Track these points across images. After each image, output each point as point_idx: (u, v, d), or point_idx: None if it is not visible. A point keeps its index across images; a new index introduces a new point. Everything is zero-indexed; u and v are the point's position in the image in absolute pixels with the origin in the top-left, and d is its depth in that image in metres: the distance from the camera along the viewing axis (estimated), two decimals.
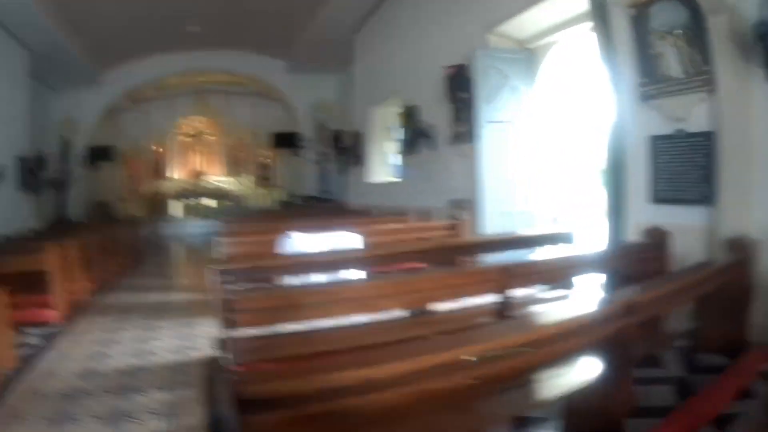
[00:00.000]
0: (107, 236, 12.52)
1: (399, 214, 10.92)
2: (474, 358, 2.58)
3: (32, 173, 16.32)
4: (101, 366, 5.85)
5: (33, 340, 7.12)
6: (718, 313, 4.72)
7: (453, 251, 7.09)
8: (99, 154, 21.85)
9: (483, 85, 9.45)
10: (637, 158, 6.32)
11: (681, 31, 5.61)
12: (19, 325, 7.08)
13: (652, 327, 4.38)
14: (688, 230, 5.62)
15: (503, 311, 4.66)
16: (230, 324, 3.82)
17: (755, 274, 4.85)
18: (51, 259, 8.07)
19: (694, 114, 5.66)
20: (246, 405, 2.04)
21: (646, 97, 6.10)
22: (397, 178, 15.05)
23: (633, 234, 6.21)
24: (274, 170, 24.84)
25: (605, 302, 3.59)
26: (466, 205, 9.95)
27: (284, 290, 4.88)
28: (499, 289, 4.66)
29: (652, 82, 6.00)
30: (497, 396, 3.03)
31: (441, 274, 4.96)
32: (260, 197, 24.37)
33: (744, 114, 5.17)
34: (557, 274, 5.48)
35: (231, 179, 24.47)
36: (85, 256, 9.91)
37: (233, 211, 20.96)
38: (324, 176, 21.78)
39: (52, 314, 7.92)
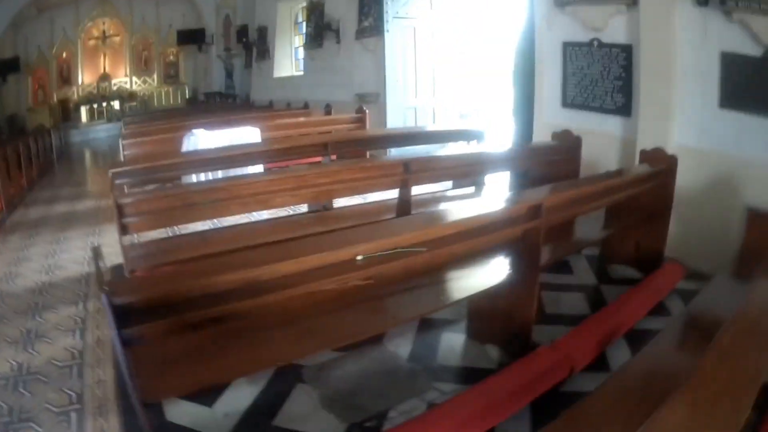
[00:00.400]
0: (15, 150, 12.00)
1: (302, 109, 10.85)
2: (360, 258, 2.53)
3: None
4: (11, 287, 5.59)
5: None
6: (632, 225, 4.69)
7: (355, 144, 6.97)
8: (4, 67, 20.70)
9: None
10: (550, 62, 6.36)
11: None
12: None
13: (563, 232, 4.30)
14: (600, 138, 5.73)
15: (405, 208, 4.58)
16: (124, 229, 3.73)
17: (671, 188, 4.76)
18: None
19: (610, 25, 5.69)
20: (123, 316, 1.97)
21: (562, 3, 6.06)
22: (300, 72, 14.87)
23: (541, 136, 6.34)
24: (179, 68, 24.06)
25: (511, 202, 3.41)
26: (371, 99, 9.97)
27: (178, 189, 4.73)
28: (403, 185, 4.57)
29: None
30: (397, 297, 3.02)
31: (341, 167, 4.75)
32: (165, 96, 23.68)
33: (664, 29, 5.11)
34: (463, 171, 5.38)
35: (136, 80, 23.56)
36: None
37: (137, 112, 20.37)
38: (229, 72, 21.31)
39: None
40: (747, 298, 2.34)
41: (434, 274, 3.13)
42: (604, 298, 4.50)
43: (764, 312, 2.30)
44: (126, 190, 4.57)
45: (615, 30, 5.65)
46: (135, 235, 4.32)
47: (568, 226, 4.47)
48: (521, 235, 3.29)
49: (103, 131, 20.55)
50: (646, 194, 4.57)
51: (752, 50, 4.39)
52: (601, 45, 5.79)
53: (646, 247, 4.78)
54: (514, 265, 3.33)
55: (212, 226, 5.24)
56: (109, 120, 21.07)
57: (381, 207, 4.95)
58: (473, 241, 3.01)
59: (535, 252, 3.32)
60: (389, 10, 9.28)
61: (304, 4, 13.31)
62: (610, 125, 5.79)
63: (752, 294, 2.41)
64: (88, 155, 17.87)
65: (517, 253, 3.36)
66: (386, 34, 9.35)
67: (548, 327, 3.77)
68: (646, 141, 5.13)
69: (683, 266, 4.70)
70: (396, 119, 9.46)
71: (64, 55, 22.64)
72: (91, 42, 22.79)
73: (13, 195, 10.09)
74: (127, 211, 3.70)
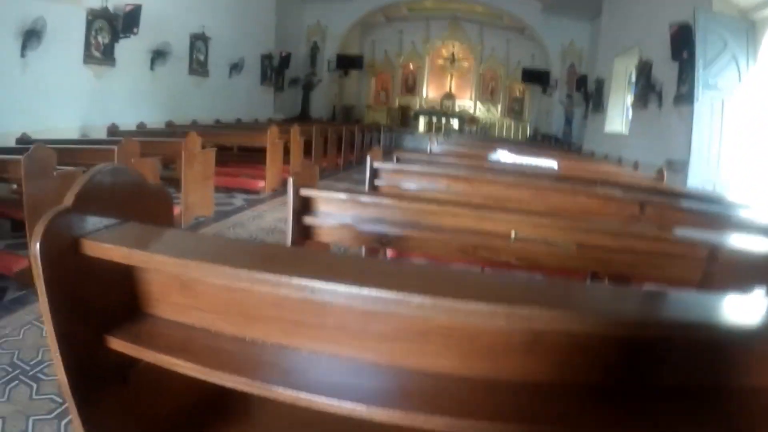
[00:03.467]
0: (338, 133, 13.98)
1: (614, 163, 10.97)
2: None
3: (275, 70, 19.05)
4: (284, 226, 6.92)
5: (238, 202, 8.95)
6: None
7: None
8: (348, 62, 23.55)
9: (702, 48, 9.23)
10: None
11: None
12: (231, 190, 9.36)
13: None
14: None
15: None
16: None
17: None
18: (270, 138, 9.55)
19: None
20: None
21: None
22: (626, 130, 14.89)
23: None
24: (524, 105, 25.01)
25: None
26: (678, 167, 9.81)
27: None
28: (703, 279, 3.16)
29: None
30: None
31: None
32: (506, 128, 24.75)
33: None
34: None
35: (480, 106, 25.01)
36: (305, 143, 11.38)
37: (476, 137, 21.31)
38: (569, 119, 21.63)
39: (261, 184, 9.61)
40: None
41: None
42: None
43: None
44: None
45: None
46: None
47: None
48: None
49: (433, 142, 21.87)
50: None
51: None
52: None
53: None
54: None
55: None
56: (446, 135, 22.40)
57: None
58: None
59: None
60: (700, 78, 9.20)
61: (636, 63, 13.34)
62: None
63: None
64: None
65: None
66: (696, 103, 9.27)
67: None
68: None
69: None
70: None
71: (411, 66, 25.12)
72: (439, 61, 24.96)
73: (324, 169, 11.76)
74: None
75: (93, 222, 1.67)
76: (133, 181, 1.93)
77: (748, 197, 8.05)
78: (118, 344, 1.64)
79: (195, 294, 1.67)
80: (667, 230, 3.36)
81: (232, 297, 1.62)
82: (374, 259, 2.99)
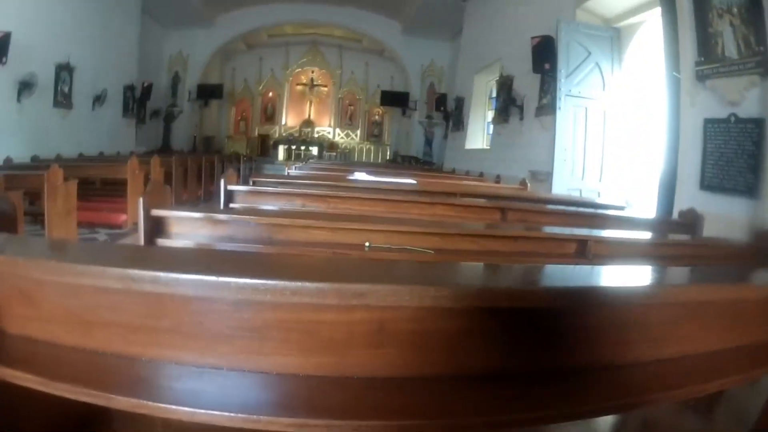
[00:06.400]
0: (197, 163, 13.80)
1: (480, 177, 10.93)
2: None
3: (137, 102, 18.25)
4: None
5: (101, 237, 8.57)
6: None
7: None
8: (208, 92, 22.95)
9: (564, 58, 9.29)
10: (691, 141, 6.05)
11: (738, 9, 5.31)
12: (95, 225, 8.92)
13: None
14: (724, 220, 5.19)
15: None
16: None
17: None
18: (130, 170, 9.22)
19: (747, 98, 5.33)
20: None
21: (701, 77, 5.83)
22: (487, 146, 15.06)
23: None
24: (383, 128, 25.26)
25: None
26: (543, 177, 9.86)
27: None
28: None
29: (708, 61, 5.74)
30: None
31: (516, 232, 3.36)
32: (367, 153, 24.88)
33: None
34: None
35: (339, 131, 25.07)
36: (165, 174, 11.19)
37: (333, 161, 21.28)
38: (429, 140, 21.86)
39: (123, 218, 9.23)
40: None
41: None
42: None
43: None
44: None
45: (751, 104, 5.25)
46: None
47: None
48: None
49: (292, 169, 21.81)
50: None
51: None
52: (738, 120, 5.39)
53: None
54: None
55: None
56: (305, 162, 22.43)
57: None
58: None
59: None
60: (562, 87, 9.23)
61: (497, 78, 13.43)
62: (735, 207, 5.36)
63: None
64: None
65: None
66: (558, 112, 9.29)
67: None
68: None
69: None
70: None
71: (270, 94, 24.99)
72: (299, 87, 24.83)
73: (185, 201, 11.82)
74: None
75: None
76: None
77: (621, 199, 8.09)
78: None
79: (35, 304, 1.56)
80: (533, 228, 3.52)
81: (71, 304, 1.52)
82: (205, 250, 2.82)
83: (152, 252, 2.03)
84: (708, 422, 2.23)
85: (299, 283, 1.27)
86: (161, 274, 1.32)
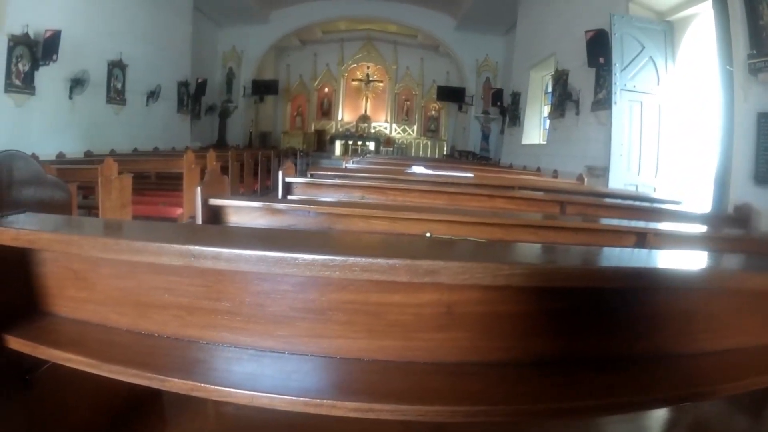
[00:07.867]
0: (254, 159, 13.89)
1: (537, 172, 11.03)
2: None
3: (192, 97, 18.72)
4: None
5: None
6: None
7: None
8: (263, 87, 23.25)
9: (618, 52, 9.32)
10: (744, 135, 6.10)
11: None
12: (149, 219, 8.72)
13: None
14: None
15: None
16: None
17: None
18: (186, 163, 9.31)
19: None
20: None
21: (754, 71, 5.86)
22: (544, 141, 15.07)
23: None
24: (440, 123, 25.33)
25: None
26: (599, 173, 9.93)
27: None
28: None
29: (760, 54, 5.75)
30: None
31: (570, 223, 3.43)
32: (424, 148, 25.00)
33: None
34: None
35: (396, 127, 25.23)
36: (221, 169, 11.15)
37: (390, 156, 21.29)
38: (485, 135, 21.74)
39: (179, 212, 9.23)
40: None
41: None
42: None
43: None
44: None
45: None
46: None
47: None
48: None
49: (350, 164, 22.03)
50: None
51: None
52: None
53: None
54: None
55: None
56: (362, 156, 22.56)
57: None
58: None
59: None
60: (618, 82, 9.30)
61: (552, 73, 13.56)
62: None
63: None
64: None
65: None
66: (614, 106, 9.35)
67: None
68: None
69: None
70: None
71: (326, 89, 25.23)
72: (354, 82, 25.11)
73: (241, 194, 11.56)
74: None
75: None
76: (32, 170, 1.81)
77: (677, 194, 8.17)
78: (15, 342, 1.51)
79: (89, 286, 1.58)
80: (592, 220, 3.44)
81: (126, 286, 1.54)
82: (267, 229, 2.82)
83: (213, 230, 1.95)
84: (759, 422, 2.12)
85: (370, 259, 1.24)
86: (224, 250, 1.30)
